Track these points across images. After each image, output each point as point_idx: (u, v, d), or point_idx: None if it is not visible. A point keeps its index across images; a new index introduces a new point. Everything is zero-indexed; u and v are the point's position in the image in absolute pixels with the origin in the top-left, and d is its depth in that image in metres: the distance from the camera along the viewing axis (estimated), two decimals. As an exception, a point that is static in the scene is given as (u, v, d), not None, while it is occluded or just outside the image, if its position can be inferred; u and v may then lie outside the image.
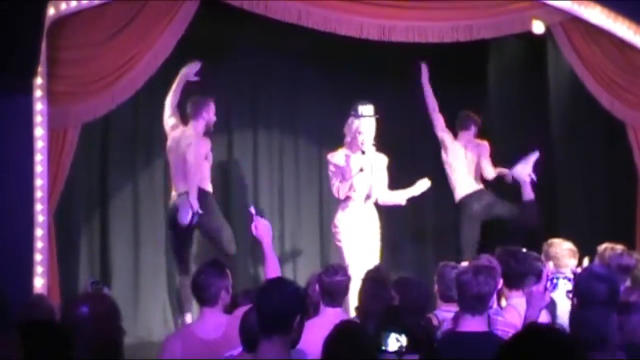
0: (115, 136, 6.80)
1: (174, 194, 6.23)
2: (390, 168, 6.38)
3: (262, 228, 3.85)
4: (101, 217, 6.76)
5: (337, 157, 6.23)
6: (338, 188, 6.14)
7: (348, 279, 3.93)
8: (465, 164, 6.77)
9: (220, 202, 7.16)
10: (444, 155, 6.78)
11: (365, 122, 6.11)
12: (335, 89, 7.28)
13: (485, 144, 6.84)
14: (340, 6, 5.76)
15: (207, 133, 6.27)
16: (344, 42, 6.00)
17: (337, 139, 6.35)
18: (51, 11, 5.15)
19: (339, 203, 6.25)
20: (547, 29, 6.17)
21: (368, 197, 6.19)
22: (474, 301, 3.33)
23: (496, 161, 6.89)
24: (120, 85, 5.45)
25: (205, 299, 3.71)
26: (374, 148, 6.16)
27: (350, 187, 6.10)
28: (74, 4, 5.24)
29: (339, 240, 6.14)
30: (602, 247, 4.65)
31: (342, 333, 2.76)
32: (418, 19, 5.92)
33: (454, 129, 6.86)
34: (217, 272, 3.76)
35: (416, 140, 7.42)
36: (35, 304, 4.31)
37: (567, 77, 6.55)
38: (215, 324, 3.64)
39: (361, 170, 6.07)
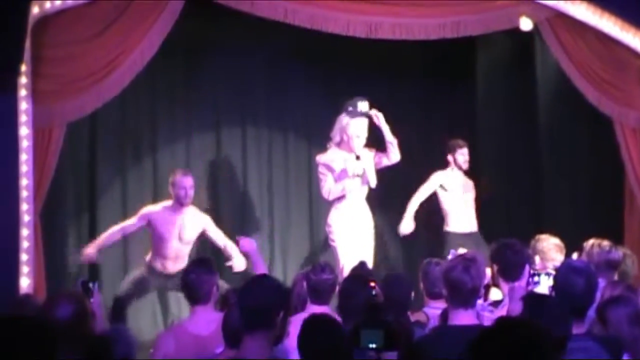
0: (103, 135, 6.78)
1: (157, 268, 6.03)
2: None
3: (245, 242, 4.40)
4: (89, 216, 6.74)
5: (326, 157, 6.17)
6: (329, 191, 6.11)
7: (335, 277, 3.94)
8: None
9: (209, 200, 7.18)
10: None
11: (361, 124, 6.07)
12: (323, 86, 7.28)
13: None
14: (327, 4, 5.75)
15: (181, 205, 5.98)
16: (332, 39, 5.98)
17: (326, 136, 6.33)
18: (35, 10, 5.13)
19: (331, 202, 6.23)
20: (534, 25, 6.18)
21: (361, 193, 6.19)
22: (468, 296, 3.30)
23: (484, 158, 6.89)
24: (106, 83, 5.42)
25: (198, 298, 3.73)
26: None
27: (343, 190, 6.08)
28: (58, 2, 5.21)
29: (333, 240, 6.11)
30: (589, 243, 4.66)
31: (311, 324, 2.77)
32: (404, 16, 5.91)
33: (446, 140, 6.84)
34: (206, 269, 3.79)
35: (404, 137, 7.40)
36: (22, 303, 4.29)
37: (555, 72, 6.56)
38: (208, 320, 3.66)
39: (358, 176, 6.05)
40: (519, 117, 7.22)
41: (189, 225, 5.96)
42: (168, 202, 6.00)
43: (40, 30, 5.19)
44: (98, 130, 6.73)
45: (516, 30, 6.21)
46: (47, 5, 5.20)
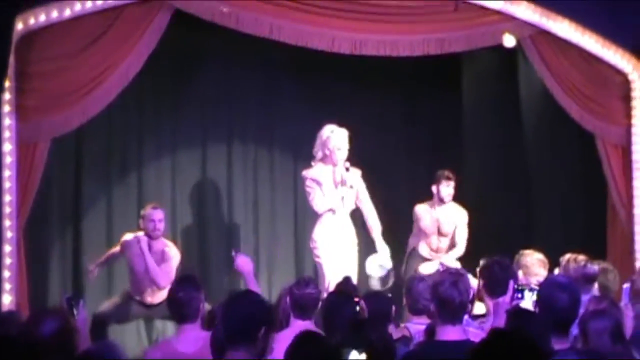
0: (88, 150, 6.76)
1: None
2: (364, 181, 6.39)
3: (243, 261, 4.20)
4: (74, 232, 6.71)
5: (313, 172, 6.17)
6: (319, 203, 6.10)
7: (319, 292, 3.94)
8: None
9: (195, 215, 7.17)
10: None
11: (341, 137, 6.09)
12: (310, 101, 7.30)
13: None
14: (312, 20, 5.79)
15: (150, 237, 5.88)
16: (319, 54, 6.03)
17: (312, 152, 6.34)
18: (19, 26, 5.14)
19: (315, 217, 6.24)
20: (518, 41, 6.25)
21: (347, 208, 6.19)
22: (457, 311, 3.32)
23: (469, 170, 6.91)
24: (92, 98, 5.43)
25: (186, 315, 3.70)
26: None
27: (332, 202, 6.08)
28: (43, 18, 5.22)
29: (318, 257, 6.10)
30: (564, 258, 4.71)
31: (302, 340, 2.77)
32: (389, 32, 5.97)
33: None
34: (194, 286, 3.78)
35: (390, 153, 7.45)
36: (6, 320, 4.25)
37: (539, 88, 6.63)
38: (195, 338, 3.63)
39: (351, 187, 6.05)
40: (505, 131, 7.27)
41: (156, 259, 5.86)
42: (141, 233, 5.96)
43: (24, 46, 5.20)
44: (83, 146, 6.71)
45: (500, 46, 6.27)
46: (32, 21, 5.21)
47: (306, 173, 6.22)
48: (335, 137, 6.10)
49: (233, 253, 4.37)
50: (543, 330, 2.96)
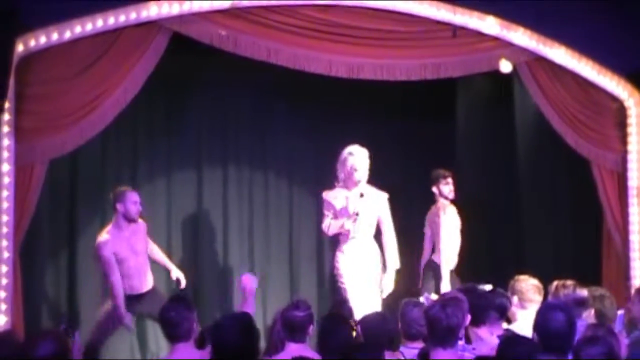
0: (84, 172, 6.76)
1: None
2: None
3: (248, 279, 4.46)
4: (69, 254, 6.70)
5: (329, 195, 6.20)
6: (328, 226, 6.13)
7: (308, 314, 3.94)
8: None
9: (190, 238, 7.16)
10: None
11: (359, 157, 6.11)
12: (305, 125, 7.32)
13: None
14: (309, 44, 5.82)
15: (132, 220, 5.85)
16: (314, 78, 6.05)
17: (307, 175, 6.34)
18: (20, 47, 5.16)
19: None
20: (514, 67, 6.29)
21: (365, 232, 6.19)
22: (445, 334, 3.36)
23: (462, 194, 6.92)
24: (89, 120, 5.44)
25: (178, 335, 3.71)
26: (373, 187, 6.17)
27: (342, 227, 6.09)
28: (43, 40, 5.25)
29: (342, 283, 6.09)
30: (553, 285, 4.71)
31: None
32: (386, 57, 6.00)
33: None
34: (186, 306, 3.80)
35: (384, 177, 7.44)
36: (3, 340, 4.23)
37: (533, 113, 6.66)
38: (188, 357, 3.65)
39: (357, 214, 6.04)
40: (499, 156, 7.29)
41: (136, 237, 5.89)
42: (107, 227, 5.91)
43: (24, 68, 5.21)
44: (79, 168, 6.71)
45: (496, 72, 6.31)
46: (32, 43, 5.23)
47: (324, 195, 6.25)
48: (352, 158, 6.14)
49: (241, 275, 4.63)
50: (533, 355, 2.96)
